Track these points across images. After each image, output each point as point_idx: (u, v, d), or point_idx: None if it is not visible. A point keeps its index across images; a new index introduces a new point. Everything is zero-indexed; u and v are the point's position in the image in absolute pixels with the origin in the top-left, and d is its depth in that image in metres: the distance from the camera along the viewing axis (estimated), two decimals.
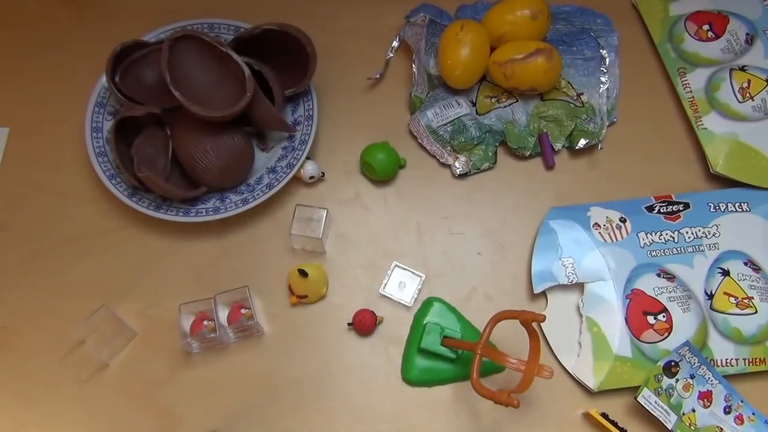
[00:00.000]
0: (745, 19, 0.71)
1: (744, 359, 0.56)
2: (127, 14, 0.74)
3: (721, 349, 0.57)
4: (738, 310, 0.58)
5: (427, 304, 0.59)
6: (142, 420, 0.56)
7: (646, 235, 0.61)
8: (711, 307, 0.58)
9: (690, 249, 0.61)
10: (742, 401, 0.54)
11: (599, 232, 0.61)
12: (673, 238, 0.61)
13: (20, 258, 0.62)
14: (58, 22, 0.74)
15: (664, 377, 0.55)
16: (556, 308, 0.59)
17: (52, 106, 0.69)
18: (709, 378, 0.54)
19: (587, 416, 0.55)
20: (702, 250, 0.61)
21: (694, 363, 0.54)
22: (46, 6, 0.75)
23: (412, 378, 0.57)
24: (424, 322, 0.58)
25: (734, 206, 0.62)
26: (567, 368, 0.57)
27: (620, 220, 0.62)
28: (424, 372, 0.56)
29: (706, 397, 0.54)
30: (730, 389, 0.54)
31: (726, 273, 0.59)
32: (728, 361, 0.56)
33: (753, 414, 0.54)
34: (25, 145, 0.67)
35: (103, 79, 0.64)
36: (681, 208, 0.62)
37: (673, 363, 0.55)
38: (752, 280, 0.59)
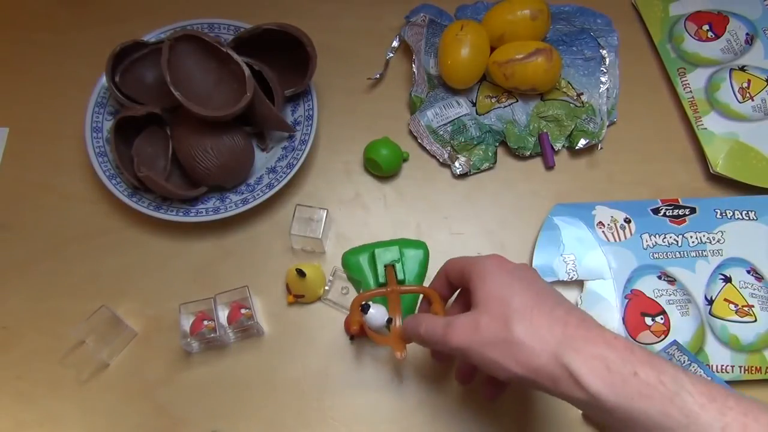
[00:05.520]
0: (745, 19, 0.71)
1: (740, 367, 0.56)
2: (127, 14, 0.74)
3: (717, 355, 0.56)
4: (737, 318, 0.58)
5: (421, 245, 0.62)
6: (142, 420, 0.56)
7: (650, 236, 0.61)
8: (710, 313, 0.58)
9: (693, 253, 0.60)
10: None
11: (603, 231, 0.61)
12: (677, 241, 0.61)
13: (20, 258, 0.62)
14: (58, 22, 0.74)
15: None
16: None
17: (52, 106, 0.69)
18: (701, 375, 0.54)
19: (587, 416, 0.55)
20: (705, 256, 0.60)
21: (684, 361, 0.54)
22: (46, 6, 0.75)
23: (347, 256, 0.61)
24: (404, 251, 0.61)
25: (741, 214, 0.62)
26: None
27: (625, 221, 0.62)
28: (355, 262, 0.61)
29: None
30: (724, 386, 0.54)
31: (728, 280, 0.59)
32: (724, 367, 0.56)
33: None
34: (25, 145, 0.67)
35: (103, 79, 0.64)
36: (687, 213, 0.62)
37: None
38: (754, 289, 0.59)
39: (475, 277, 0.44)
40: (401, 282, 0.59)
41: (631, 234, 0.61)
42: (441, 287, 0.51)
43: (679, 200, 0.63)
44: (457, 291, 0.51)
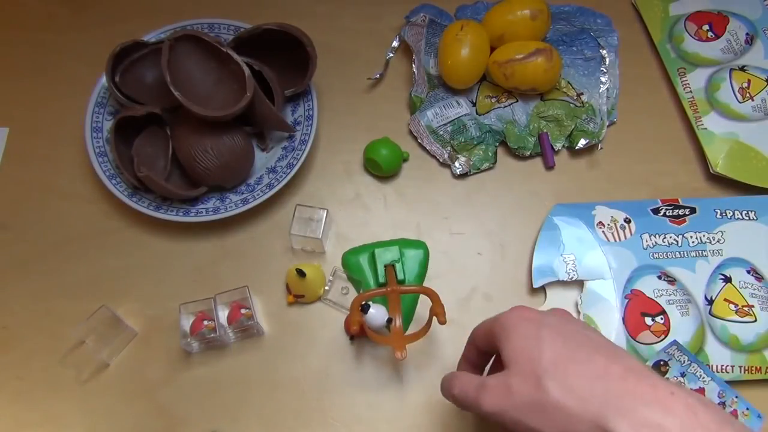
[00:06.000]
0: (745, 19, 0.71)
1: (740, 367, 0.56)
2: (127, 14, 0.74)
3: (717, 355, 0.57)
4: (737, 318, 0.58)
5: (421, 245, 0.62)
6: (142, 420, 0.56)
7: (650, 236, 0.61)
8: (710, 313, 0.58)
9: (693, 253, 0.60)
10: (736, 397, 0.54)
11: (603, 231, 0.61)
12: (677, 241, 0.61)
13: (20, 258, 0.62)
14: (58, 22, 0.74)
15: None
16: (554, 304, 0.59)
17: (52, 106, 0.69)
18: (701, 375, 0.54)
19: None
20: (705, 256, 0.60)
21: (684, 361, 0.54)
22: (46, 6, 0.75)
23: (347, 256, 0.61)
24: (404, 251, 0.61)
25: (741, 214, 0.62)
26: None
27: (625, 221, 0.62)
28: (355, 262, 0.61)
29: None
30: (723, 386, 0.54)
31: (728, 280, 0.59)
32: (724, 367, 0.56)
33: (747, 409, 0.54)
34: (25, 145, 0.67)
35: (103, 79, 0.64)
36: (687, 213, 0.62)
37: (662, 362, 0.55)
38: (754, 289, 0.59)
39: (500, 335, 0.40)
40: (401, 282, 0.59)
41: (631, 234, 0.61)
42: (473, 357, 0.46)
43: (679, 200, 0.63)
44: (492, 358, 0.46)
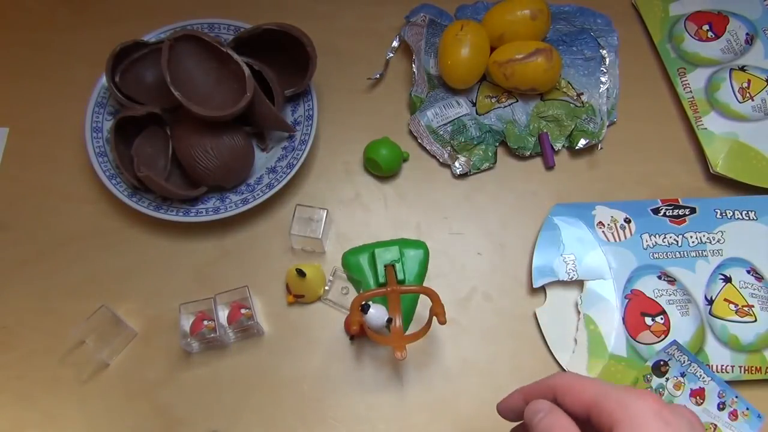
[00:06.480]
0: (745, 19, 0.71)
1: (740, 367, 0.56)
2: (127, 14, 0.74)
3: (717, 355, 0.57)
4: (737, 318, 0.58)
5: (421, 245, 0.62)
6: (142, 420, 0.56)
7: (650, 236, 0.61)
8: (710, 313, 0.58)
9: (693, 253, 0.60)
10: (736, 397, 0.54)
11: (603, 231, 0.61)
12: (677, 241, 0.61)
13: (20, 258, 0.62)
14: (58, 22, 0.74)
15: (654, 377, 0.55)
16: (554, 304, 0.59)
17: (52, 106, 0.69)
18: (701, 375, 0.54)
19: None
20: (705, 256, 0.60)
21: (684, 361, 0.54)
22: (46, 6, 0.75)
23: (347, 256, 0.61)
24: (404, 251, 0.61)
25: (741, 214, 0.62)
26: (561, 364, 0.57)
27: (625, 221, 0.62)
28: (355, 262, 0.61)
29: (698, 395, 0.54)
30: (723, 386, 0.54)
31: (728, 280, 0.59)
32: (724, 367, 0.56)
33: (747, 409, 0.54)
34: (25, 145, 0.67)
35: (103, 79, 0.64)
36: (687, 213, 0.62)
37: (662, 362, 0.55)
38: (754, 289, 0.59)
39: (620, 423, 0.32)
40: (401, 282, 0.59)
41: (631, 234, 0.61)
42: (535, 398, 0.36)
43: (679, 200, 0.63)
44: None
